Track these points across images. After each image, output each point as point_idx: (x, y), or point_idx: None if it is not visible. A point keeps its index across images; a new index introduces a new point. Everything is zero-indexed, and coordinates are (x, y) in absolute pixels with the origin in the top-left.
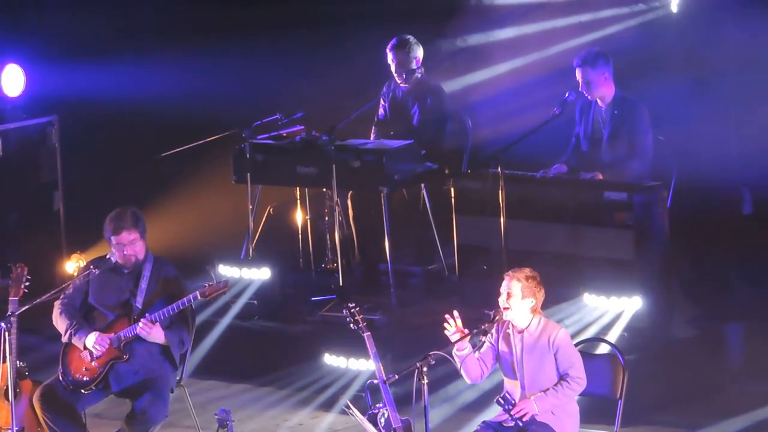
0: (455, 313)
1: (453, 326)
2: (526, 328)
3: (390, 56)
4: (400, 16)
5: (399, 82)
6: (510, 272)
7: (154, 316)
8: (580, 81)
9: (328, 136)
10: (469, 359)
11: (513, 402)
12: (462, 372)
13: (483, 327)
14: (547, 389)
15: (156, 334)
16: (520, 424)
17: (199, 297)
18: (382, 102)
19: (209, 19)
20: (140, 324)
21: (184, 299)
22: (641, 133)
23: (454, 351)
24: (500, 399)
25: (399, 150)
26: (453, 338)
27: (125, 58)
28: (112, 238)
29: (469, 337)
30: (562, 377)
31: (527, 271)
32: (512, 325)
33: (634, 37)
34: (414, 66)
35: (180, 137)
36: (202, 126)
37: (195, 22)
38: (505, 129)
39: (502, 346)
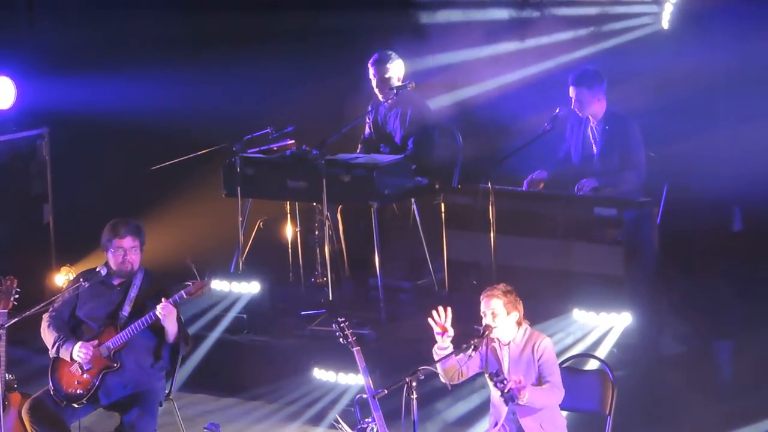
0: (449, 310)
1: (443, 319)
2: (512, 340)
3: (371, 71)
4: (390, 31)
5: (380, 97)
6: (486, 292)
7: (171, 300)
8: (573, 99)
9: (319, 150)
10: (449, 359)
11: (504, 377)
12: (438, 367)
13: (473, 342)
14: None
15: (171, 319)
16: (513, 397)
17: (185, 296)
18: (367, 120)
19: (200, 32)
20: (160, 305)
21: (175, 296)
22: (633, 147)
23: (435, 349)
24: (492, 374)
25: (389, 165)
26: (438, 340)
27: (116, 72)
28: (115, 240)
29: (452, 350)
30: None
31: (502, 287)
32: (498, 339)
33: (625, 53)
34: (395, 82)
35: (170, 151)
36: (192, 139)
37: (186, 35)
38: (495, 144)
39: (491, 362)
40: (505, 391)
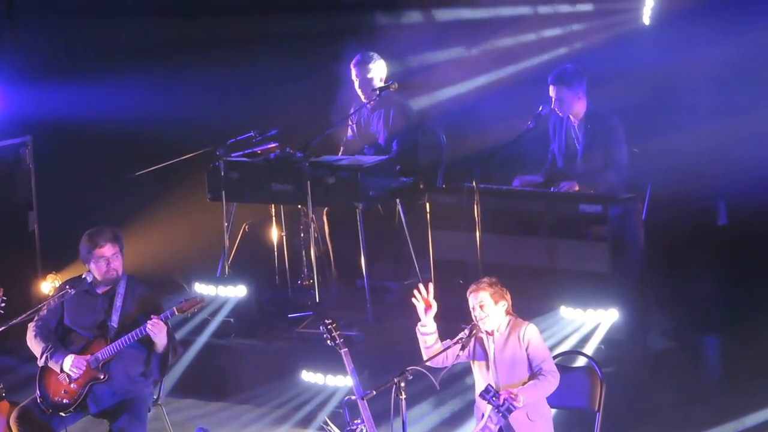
0: (430, 285)
1: (421, 300)
2: (497, 329)
3: (353, 72)
4: (373, 31)
5: (363, 99)
6: (472, 287)
7: (162, 316)
8: (553, 98)
9: (303, 152)
10: (431, 338)
11: (495, 392)
12: (423, 350)
13: (461, 341)
14: (526, 383)
15: (161, 336)
16: (511, 409)
17: (176, 312)
18: (350, 122)
19: (183, 38)
20: (150, 322)
21: (167, 312)
22: (615, 146)
23: (418, 327)
24: (483, 393)
25: (373, 166)
26: (422, 317)
27: (99, 79)
28: (95, 250)
29: (434, 325)
30: (535, 373)
31: (486, 279)
32: (486, 330)
33: (606, 49)
34: (377, 83)
35: (154, 156)
36: (176, 144)
37: (168, 41)
38: (479, 143)
39: (478, 351)
40: (501, 405)
